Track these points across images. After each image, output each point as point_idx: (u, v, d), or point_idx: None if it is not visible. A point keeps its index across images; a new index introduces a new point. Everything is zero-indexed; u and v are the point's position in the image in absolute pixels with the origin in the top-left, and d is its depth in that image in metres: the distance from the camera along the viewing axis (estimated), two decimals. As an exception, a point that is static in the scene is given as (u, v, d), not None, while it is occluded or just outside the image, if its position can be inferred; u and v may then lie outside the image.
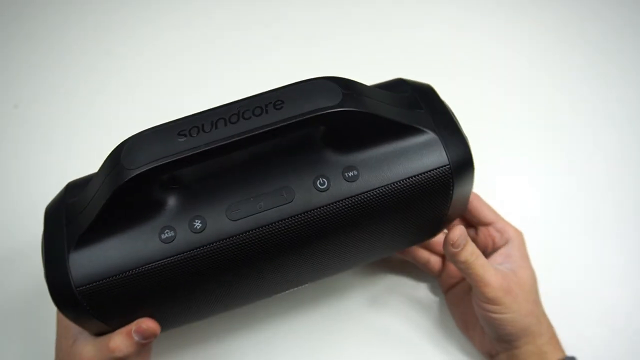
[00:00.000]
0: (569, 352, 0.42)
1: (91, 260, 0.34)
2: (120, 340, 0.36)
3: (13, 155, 0.61)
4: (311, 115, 0.32)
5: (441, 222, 0.40)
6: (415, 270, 0.51)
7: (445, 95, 0.41)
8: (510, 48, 0.69)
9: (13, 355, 0.49)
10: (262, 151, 0.37)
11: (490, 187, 0.49)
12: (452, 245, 0.39)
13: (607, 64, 0.66)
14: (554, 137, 0.61)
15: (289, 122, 0.32)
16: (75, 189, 0.38)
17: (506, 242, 0.44)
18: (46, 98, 0.65)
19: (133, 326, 0.36)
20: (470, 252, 0.40)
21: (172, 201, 0.35)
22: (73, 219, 0.35)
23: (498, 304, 0.40)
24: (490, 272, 0.40)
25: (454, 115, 0.39)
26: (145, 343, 0.36)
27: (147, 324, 0.36)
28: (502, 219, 0.45)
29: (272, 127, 0.32)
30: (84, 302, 0.34)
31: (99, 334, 0.37)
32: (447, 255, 0.41)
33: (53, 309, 0.39)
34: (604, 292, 0.50)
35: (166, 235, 0.34)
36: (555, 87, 0.65)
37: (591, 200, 0.56)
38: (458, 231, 0.39)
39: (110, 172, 0.33)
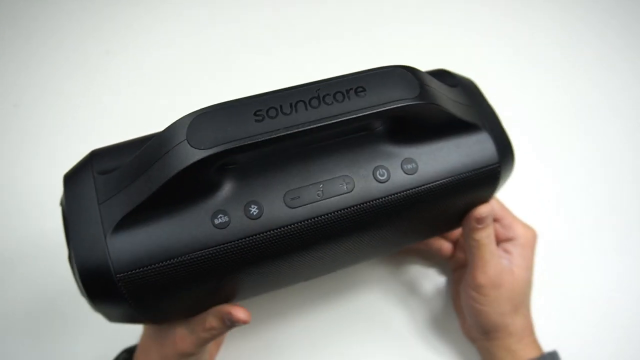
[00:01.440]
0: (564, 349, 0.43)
1: (135, 244, 0.31)
2: (215, 321, 0.36)
3: (13, 155, 0.59)
4: (394, 106, 0.31)
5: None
6: (419, 262, 0.52)
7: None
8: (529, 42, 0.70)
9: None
10: (319, 137, 0.35)
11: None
12: (477, 220, 0.39)
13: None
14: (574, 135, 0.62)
15: (372, 112, 0.31)
16: (104, 158, 0.33)
17: (511, 239, 0.44)
18: (46, 97, 0.64)
19: (225, 313, 0.35)
20: (487, 235, 0.40)
21: (225, 183, 0.33)
22: (110, 195, 0.31)
23: (482, 294, 0.41)
24: (494, 261, 0.41)
25: (497, 113, 0.40)
26: (233, 327, 0.36)
27: (239, 315, 0.35)
28: (511, 216, 0.45)
29: (356, 116, 0.30)
30: (123, 290, 0.31)
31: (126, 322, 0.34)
32: (465, 228, 0.40)
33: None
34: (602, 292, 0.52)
35: (220, 220, 0.32)
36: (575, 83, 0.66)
37: (592, 199, 0.58)
38: (487, 208, 0.39)
39: (171, 148, 0.29)
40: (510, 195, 0.49)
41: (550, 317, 0.46)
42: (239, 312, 0.35)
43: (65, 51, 0.68)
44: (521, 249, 0.44)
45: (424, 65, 0.37)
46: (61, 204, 0.33)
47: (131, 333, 0.45)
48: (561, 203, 0.57)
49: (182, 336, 0.36)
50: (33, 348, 0.48)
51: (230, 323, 0.35)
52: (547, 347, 0.44)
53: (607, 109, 0.64)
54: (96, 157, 0.34)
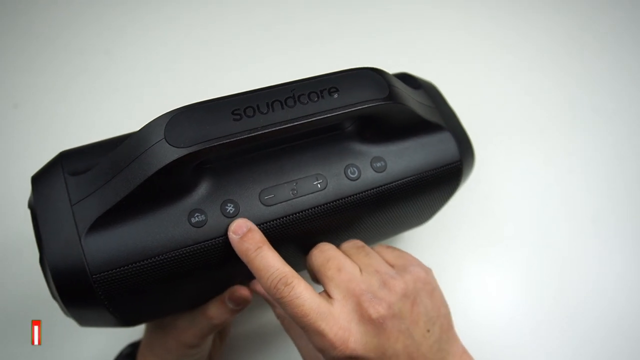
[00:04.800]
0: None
1: (111, 245, 0.30)
2: (215, 308, 0.36)
3: (13, 155, 0.59)
4: (366, 106, 0.32)
5: (439, 208, 0.43)
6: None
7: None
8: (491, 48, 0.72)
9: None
10: (292, 136, 0.36)
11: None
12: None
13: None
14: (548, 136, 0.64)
15: (346, 111, 0.32)
16: (74, 159, 0.33)
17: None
18: (46, 98, 0.64)
19: (227, 294, 0.36)
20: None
21: (200, 183, 0.33)
22: (84, 195, 0.31)
23: None
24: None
25: (456, 114, 0.42)
26: (238, 310, 0.37)
27: (241, 292, 0.36)
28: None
29: (332, 115, 0.31)
30: (99, 291, 0.30)
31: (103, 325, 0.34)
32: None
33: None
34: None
35: (196, 219, 0.32)
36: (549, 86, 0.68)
37: (571, 198, 0.59)
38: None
39: (149, 147, 0.29)
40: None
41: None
42: (238, 289, 0.36)
43: (66, 51, 0.68)
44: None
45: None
46: (30, 205, 0.33)
47: (132, 330, 0.45)
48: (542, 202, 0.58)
49: (184, 328, 0.37)
50: (33, 348, 0.47)
51: (233, 304, 0.36)
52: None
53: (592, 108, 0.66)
54: (65, 158, 0.33)
